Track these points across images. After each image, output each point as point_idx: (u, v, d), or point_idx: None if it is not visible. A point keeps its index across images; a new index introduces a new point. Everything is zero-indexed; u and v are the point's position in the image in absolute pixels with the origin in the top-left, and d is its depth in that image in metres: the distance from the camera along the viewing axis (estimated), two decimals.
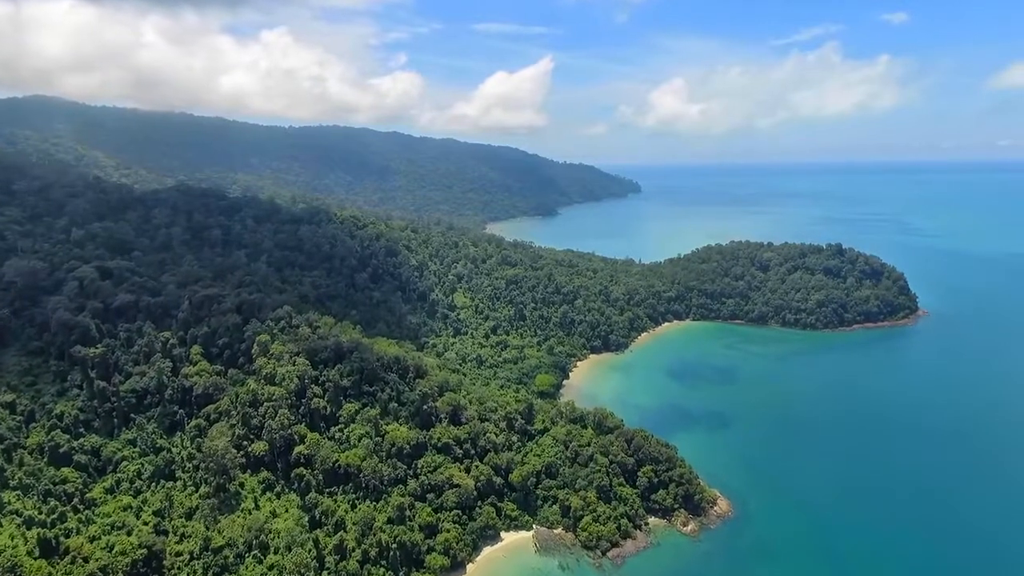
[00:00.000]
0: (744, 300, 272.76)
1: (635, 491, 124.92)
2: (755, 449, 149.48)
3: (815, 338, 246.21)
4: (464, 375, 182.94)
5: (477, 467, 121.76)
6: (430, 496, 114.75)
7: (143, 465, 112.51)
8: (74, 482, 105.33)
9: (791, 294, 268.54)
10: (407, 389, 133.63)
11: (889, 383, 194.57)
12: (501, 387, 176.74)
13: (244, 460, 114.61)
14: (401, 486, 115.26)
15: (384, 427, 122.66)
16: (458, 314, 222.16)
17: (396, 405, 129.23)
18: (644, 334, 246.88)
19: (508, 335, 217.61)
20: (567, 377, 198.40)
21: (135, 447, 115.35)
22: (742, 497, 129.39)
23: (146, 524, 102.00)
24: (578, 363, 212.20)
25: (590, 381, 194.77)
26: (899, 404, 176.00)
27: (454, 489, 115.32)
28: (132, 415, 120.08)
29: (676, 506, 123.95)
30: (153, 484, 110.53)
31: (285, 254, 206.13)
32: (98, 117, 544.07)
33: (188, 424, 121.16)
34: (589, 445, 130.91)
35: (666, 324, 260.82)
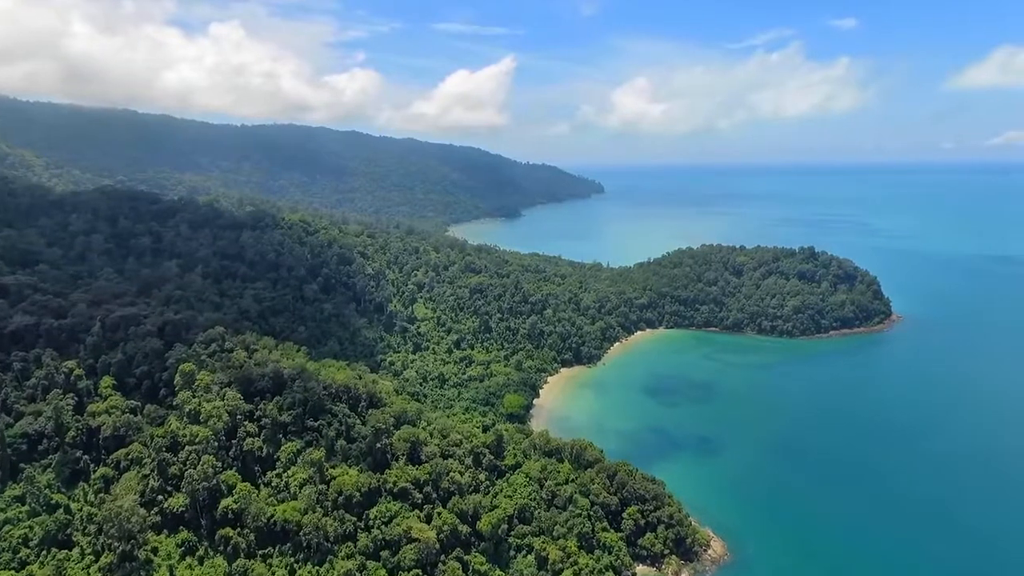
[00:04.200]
0: (718, 307, 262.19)
1: (620, 536, 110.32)
2: (746, 477, 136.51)
3: (793, 346, 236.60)
4: (425, 396, 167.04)
5: (440, 515, 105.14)
6: (384, 554, 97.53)
7: (32, 529, 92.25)
8: None
9: (766, 300, 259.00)
10: (358, 422, 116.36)
11: (878, 395, 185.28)
12: (466, 410, 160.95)
13: (159, 518, 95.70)
14: (350, 543, 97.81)
15: (330, 471, 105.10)
16: (418, 327, 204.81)
17: (345, 443, 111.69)
18: (616, 344, 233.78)
19: (473, 349, 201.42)
20: (537, 395, 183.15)
21: (23, 505, 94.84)
22: (738, 537, 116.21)
23: None
24: (549, 379, 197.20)
25: (562, 401, 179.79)
26: (893, 418, 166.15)
27: (412, 544, 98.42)
28: (22, 465, 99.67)
29: (666, 552, 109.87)
30: (43, 553, 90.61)
31: (224, 264, 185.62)
32: (29, 112, 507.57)
33: (93, 474, 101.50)
34: (567, 483, 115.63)
35: (639, 333, 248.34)
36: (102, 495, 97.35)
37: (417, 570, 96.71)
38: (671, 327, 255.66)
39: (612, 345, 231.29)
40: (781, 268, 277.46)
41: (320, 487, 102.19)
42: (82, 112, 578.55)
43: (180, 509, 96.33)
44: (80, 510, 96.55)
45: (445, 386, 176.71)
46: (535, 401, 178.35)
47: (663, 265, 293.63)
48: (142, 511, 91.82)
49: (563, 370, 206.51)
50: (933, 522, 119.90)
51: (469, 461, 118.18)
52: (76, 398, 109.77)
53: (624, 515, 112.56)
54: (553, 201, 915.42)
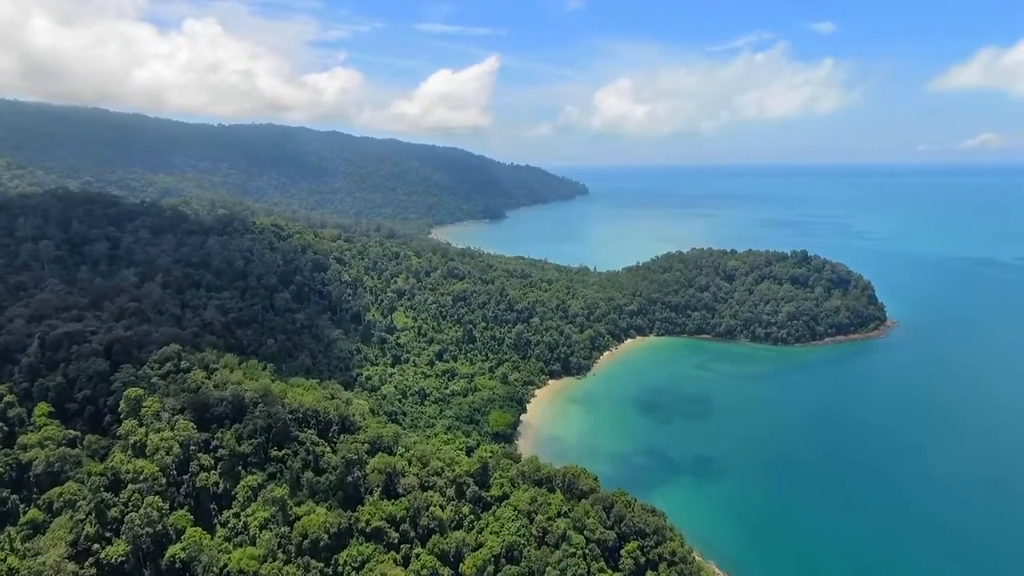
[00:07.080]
0: (710, 313, 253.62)
1: None
2: (749, 502, 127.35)
3: (788, 354, 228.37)
4: (404, 415, 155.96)
5: (418, 557, 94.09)
6: None
7: None
8: None
9: (760, 306, 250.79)
10: (328, 451, 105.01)
11: (880, 406, 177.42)
12: (448, 429, 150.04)
13: (94, 571, 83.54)
14: None
15: (294, 510, 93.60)
16: (398, 338, 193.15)
17: (312, 475, 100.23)
18: (606, 353, 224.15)
19: (456, 361, 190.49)
20: (524, 411, 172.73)
21: None
22: (743, 570, 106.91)
23: None
24: (536, 392, 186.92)
25: (551, 418, 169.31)
26: (898, 430, 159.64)
27: None
28: None
29: None
30: None
31: (188, 272, 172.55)
32: None
33: (21, 517, 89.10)
34: (559, 516, 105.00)
35: (629, 341, 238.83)
36: (28, 544, 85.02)
37: None
38: (662, 334, 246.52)
39: (601, 354, 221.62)
40: (773, 273, 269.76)
41: (283, 529, 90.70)
42: (49, 110, 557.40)
43: (119, 559, 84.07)
44: (3, 560, 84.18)
45: (426, 402, 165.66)
46: (522, 417, 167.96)
47: (652, 270, 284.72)
48: (71, 566, 79.62)
49: (551, 382, 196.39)
50: (945, 541, 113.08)
51: (451, 492, 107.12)
52: (6, 428, 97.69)
53: (623, 552, 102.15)
54: (538, 203, 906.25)
